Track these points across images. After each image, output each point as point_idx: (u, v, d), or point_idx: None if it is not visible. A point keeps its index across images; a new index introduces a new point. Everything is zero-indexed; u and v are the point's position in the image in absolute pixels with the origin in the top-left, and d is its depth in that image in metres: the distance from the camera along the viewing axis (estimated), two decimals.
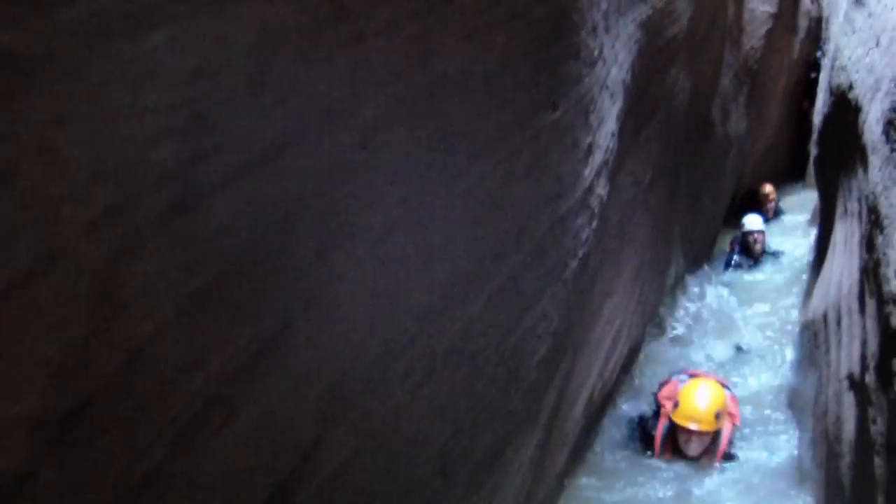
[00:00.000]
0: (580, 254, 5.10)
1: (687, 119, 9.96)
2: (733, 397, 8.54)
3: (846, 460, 5.75)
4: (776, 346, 10.59)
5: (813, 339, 7.97)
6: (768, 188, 16.62)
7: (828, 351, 7.04)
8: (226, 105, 1.92)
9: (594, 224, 5.38)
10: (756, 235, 13.97)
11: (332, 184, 2.35)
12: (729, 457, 8.09)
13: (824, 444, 6.63)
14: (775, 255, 14.22)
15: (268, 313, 2.16)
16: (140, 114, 1.71)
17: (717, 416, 7.83)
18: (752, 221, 14.17)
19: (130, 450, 1.84)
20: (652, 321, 10.32)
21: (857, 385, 5.54)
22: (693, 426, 7.76)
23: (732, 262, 13.98)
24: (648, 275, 9.24)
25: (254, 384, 2.17)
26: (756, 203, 16.30)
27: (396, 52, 2.60)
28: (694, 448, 7.86)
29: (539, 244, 4.32)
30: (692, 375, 8.71)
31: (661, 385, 8.71)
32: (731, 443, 8.20)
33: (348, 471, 2.80)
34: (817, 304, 7.93)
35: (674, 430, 7.98)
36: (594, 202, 5.28)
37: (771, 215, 16.25)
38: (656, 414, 8.40)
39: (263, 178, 2.07)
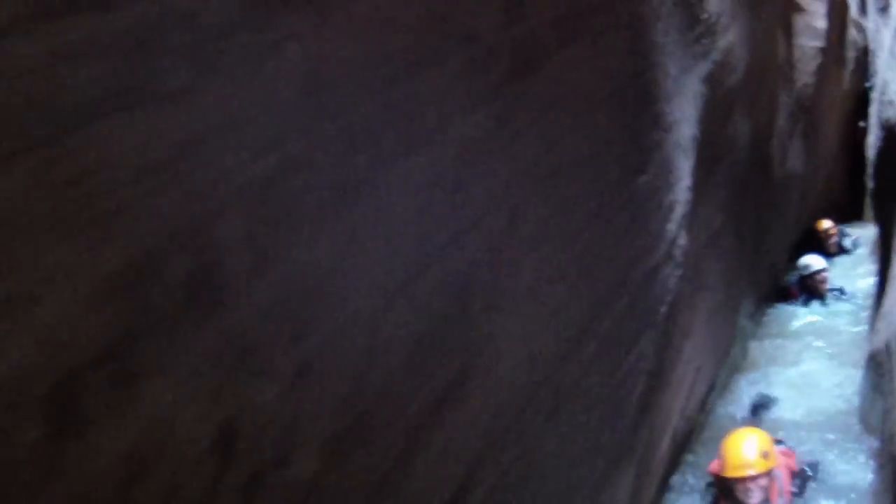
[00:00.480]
0: (668, 300, 5.68)
1: (748, 161, 10.28)
2: (788, 452, 7.98)
3: None
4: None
5: (878, 368, 8.01)
6: (826, 224, 16.15)
7: (892, 379, 7.20)
8: None
9: (678, 272, 5.94)
10: (822, 275, 13.39)
11: (493, 262, 2.95)
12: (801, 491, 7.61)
13: (890, 466, 6.72)
14: (840, 291, 13.51)
15: (455, 358, 2.75)
16: None
17: (765, 456, 7.15)
18: (813, 261, 13.61)
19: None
20: (725, 362, 10.49)
21: None
22: (742, 473, 7.06)
23: (793, 300, 13.57)
24: (721, 317, 9.56)
25: (443, 415, 2.76)
26: (816, 241, 15.81)
27: (535, 145, 3.20)
28: (754, 496, 7.13)
29: (636, 293, 4.91)
30: None
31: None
32: (797, 489, 7.61)
33: (499, 486, 3.37)
34: (880, 334, 8.13)
35: (732, 492, 7.20)
36: (677, 252, 5.85)
37: (833, 251, 15.77)
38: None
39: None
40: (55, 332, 1.57)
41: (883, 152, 8.62)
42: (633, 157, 4.72)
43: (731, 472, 7.10)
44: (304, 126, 2.14)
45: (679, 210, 5.80)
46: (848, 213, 17.74)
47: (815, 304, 13.17)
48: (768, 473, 7.21)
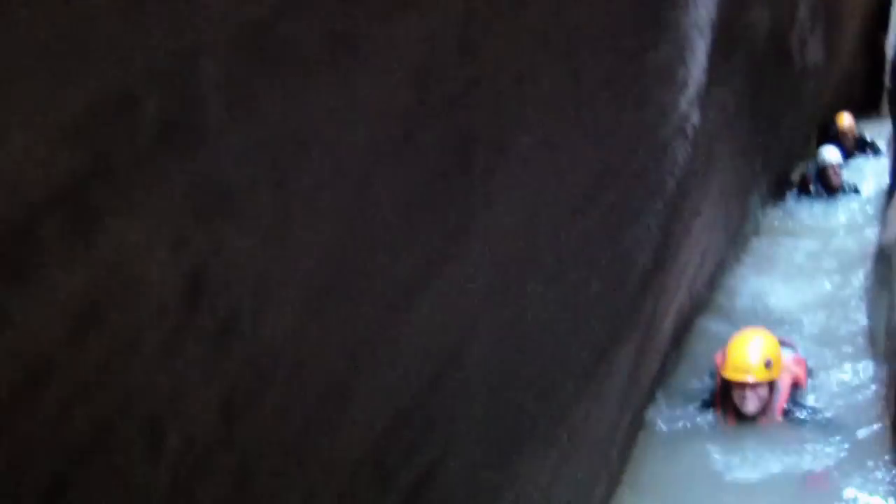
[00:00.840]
0: (677, 175, 5.72)
1: (767, 50, 10.35)
2: (797, 358, 7.73)
3: None
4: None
5: (886, 261, 8.19)
6: (847, 121, 15.75)
7: None
8: None
9: (689, 149, 5.97)
10: (835, 168, 13.27)
11: (496, 122, 3.02)
12: (792, 415, 7.21)
13: (893, 358, 7.05)
14: (855, 189, 13.42)
15: (453, 216, 2.85)
16: None
17: (768, 365, 6.97)
18: (829, 154, 13.47)
19: None
20: (735, 244, 10.63)
21: None
22: (741, 377, 6.95)
23: (808, 192, 13.48)
24: (732, 199, 9.70)
25: (441, 269, 2.87)
26: (834, 136, 15.41)
27: (545, 9, 3.27)
28: (750, 404, 7.02)
29: (644, 166, 4.96)
30: None
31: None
32: (796, 403, 7.30)
33: (497, 344, 3.49)
34: (891, 226, 8.36)
35: (730, 392, 7.16)
36: (689, 129, 5.88)
37: (852, 148, 15.49)
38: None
39: None
40: (16, 171, 1.50)
41: None
42: (649, 31, 4.72)
43: (729, 374, 7.01)
44: None
45: (692, 88, 5.79)
46: (867, 108, 17.78)
47: (827, 199, 13.18)
48: (769, 384, 7.06)
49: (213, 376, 1.93)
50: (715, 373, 7.52)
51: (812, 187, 13.51)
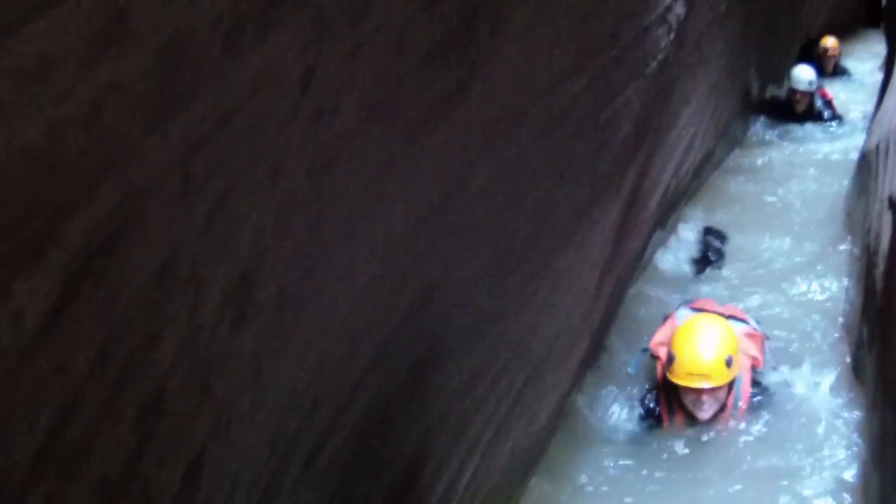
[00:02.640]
0: (659, 57, 6.29)
1: None
2: (751, 332, 6.81)
3: (879, 269, 6.46)
4: None
5: (867, 167, 8.62)
6: (831, 41, 16.08)
7: (876, 178, 7.84)
8: None
9: (671, 36, 6.50)
10: (800, 96, 13.36)
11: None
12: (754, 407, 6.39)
13: (865, 256, 7.41)
14: (833, 117, 13.50)
15: (460, 69, 3.58)
16: None
17: (729, 364, 5.99)
18: (800, 74, 13.50)
19: None
20: (724, 137, 11.22)
21: (893, 205, 6.26)
22: (697, 384, 5.98)
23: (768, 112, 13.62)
24: (723, 93, 10.22)
25: (448, 111, 3.59)
26: (815, 57, 15.59)
27: None
28: (707, 410, 6.08)
29: (626, 46, 5.53)
30: (697, 310, 6.90)
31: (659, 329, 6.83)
32: (757, 390, 6.46)
33: (495, 179, 4.14)
34: (874, 135, 8.70)
35: (677, 394, 6.22)
36: (672, 18, 6.43)
37: (830, 70, 15.81)
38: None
39: None
40: None
41: None
42: None
43: (682, 380, 6.02)
44: None
45: None
46: (867, 22, 18.21)
47: (808, 125, 13.33)
48: (727, 386, 6.14)
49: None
50: (646, 366, 6.75)
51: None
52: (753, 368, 6.55)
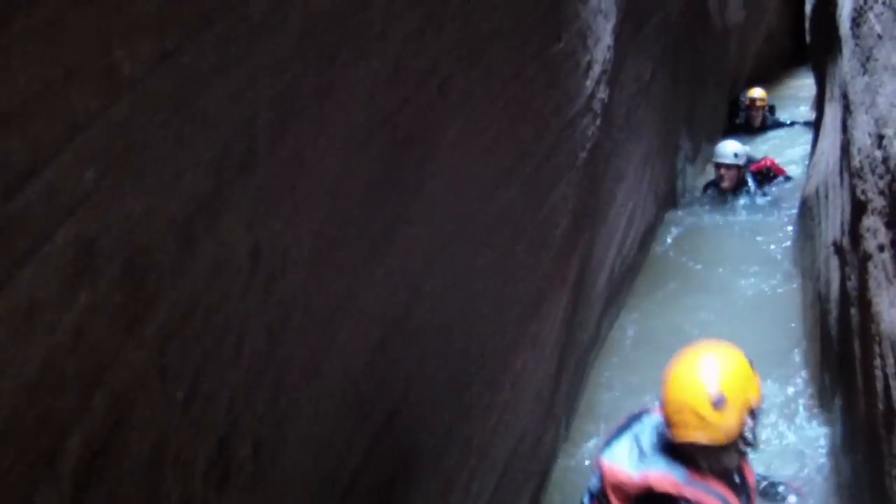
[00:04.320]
0: (588, 146, 6.51)
1: (684, 15, 11.07)
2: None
3: (833, 315, 6.59)
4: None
5: (809, 212, 8.78)
6: (758, 92, 15.62)
7: (819, 222, 7.94)
8: None
9: (598, 122, 6.74)
10: (723, 171, 12.24)
11: (426, 125, 3.95)
12: None
13: (818, 304, 7.53)
14: (756, 191, 12.39)
15: (395, 202, 3.81)
16: None
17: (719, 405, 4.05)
18: (722, 149, 12.39)
19: None
20: (665, 205, 11.47)
21: (839, 249, 6.29)
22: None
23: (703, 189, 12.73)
24: (658, 161, 10.47)
25: (390, 243, 3.82)
26: (739, 113, 15.59)
27: (459, 27, 4.16)
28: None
29: (555, 142, 5.77)
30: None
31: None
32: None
33: (439, 304, 4.38)
34: (811, 180, 8.88)
35: None
36: (596, 105, 6.67)
37: (757, 124, 15.48)
38: None
39: None
40: None
41: (816, 9, 9.27)
42: (550, 26, 5.53)
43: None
44: None
45: (597, 68, 6.60)
46: (792, 62, 18.61)
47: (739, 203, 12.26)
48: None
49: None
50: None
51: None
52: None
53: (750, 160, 12.66)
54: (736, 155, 12.28)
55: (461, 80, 4.26)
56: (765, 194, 12.48)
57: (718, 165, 12.42)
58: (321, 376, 3.27)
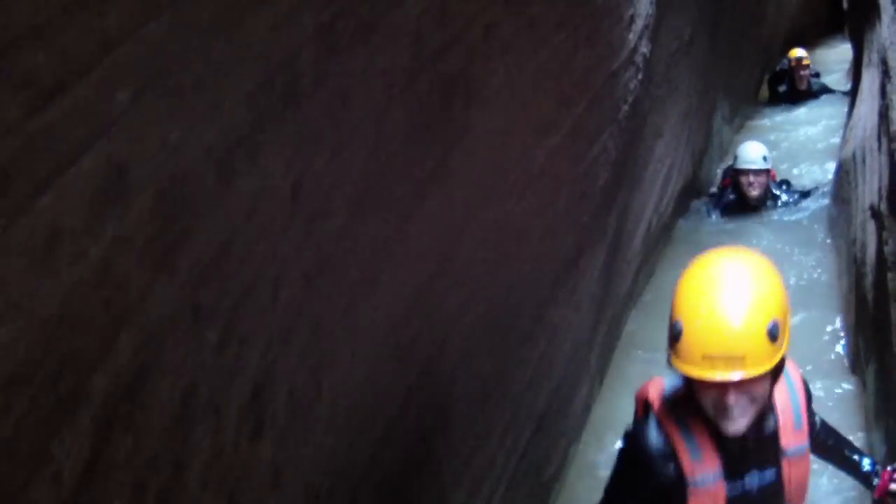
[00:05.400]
0: (630, 100, 6.39)
1: None
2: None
3: (869, 279, 6.49)
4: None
5: (846, 176, 8.64)
6: (800, 51, 14.81)
7: (856, 186, 7.81)
8: None
9: (640, 76, 6.61)
10: (752, 177, 10.13)
11: (471, 68, 3.83)
12: None
13: (854, 267, 7.43)
14: (788, 196, 10.45)
15: (439, 145, 3.66)
16: None
17: (773, 334, 3.20)
18: (748, 153, 10.26)
19: None
20: (702, 162, 11.27)
21: (876, 214, 6.22)
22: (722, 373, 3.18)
23: (717, 208, 10.49)
24: (695, 119, 10.32)
25: (428, 189, 3.68)
26: (785, 76, 14.85)
27: None
28: (737, 419, 3.31)
29: (597, 94, 5.64)
30: None
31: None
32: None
33: (477, 253, 4.31)
34: (848, 144, 8.73)
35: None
36: (639, 59, 6.54)
37: (804, 86, 14.63)
38: None
39: None
40: None
41: None
42: None
43: (692, 367, 3.22)
44: None
45: (640, 22, 6.46)
46: (830, 29, 18.36)
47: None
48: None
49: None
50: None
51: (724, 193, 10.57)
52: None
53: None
54: (765, 158, 10.30)
55: (506, 28, 4.12)
56: (803, 195, 10.58)
57: (743, 172, 10.25)
58: (359, 322, 3.13)
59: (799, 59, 14.73)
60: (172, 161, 1.87)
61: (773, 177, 10.59)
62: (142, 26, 1.73)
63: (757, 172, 10.14)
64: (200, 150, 1.98)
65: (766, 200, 10.34)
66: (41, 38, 1.50)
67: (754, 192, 10.14)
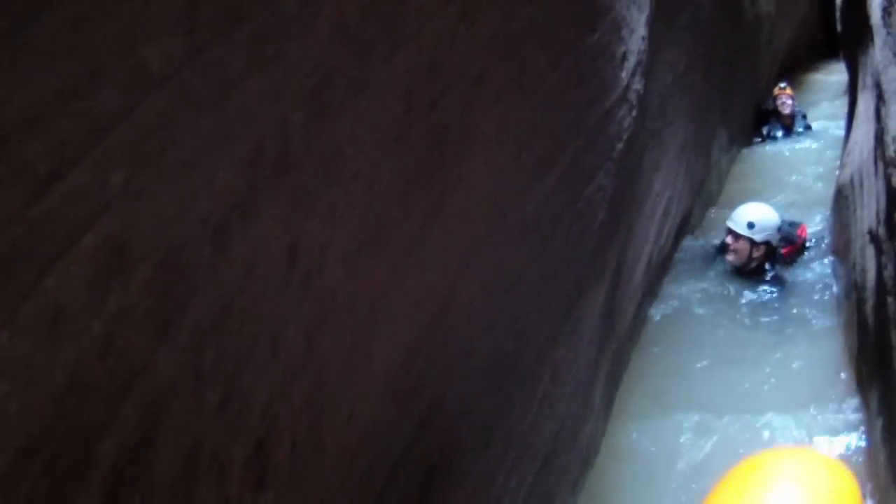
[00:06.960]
0: (624, 137, 6.42)
1: (716, 5, 10.89)
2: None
3: (870, 304, 6.52)
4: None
5: (844, 201, 8.71)
6: (783, 84, 14.97)
7: (855, 211, 7.88)
8: None
9: (634, 113, 6.64)
10: (730, 239, 9.13)
11: (463, 117, 3.90)
12: None
13: (854, 293, 7.41)
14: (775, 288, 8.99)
15: (433, 193, 3.73)
16: None
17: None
18: (736, 212, 9.28)
19: None
20: (700, 194, 11.26)
21: (875, 238, 6.27)
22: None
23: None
24: (693, 151, 10.30)
25: (425, 236, 3.75)
26: (770, 116, 14.76)
27: (494, 21, 4.10)
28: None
29: (591, 133, 5.68)
30: None
31: None
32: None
33: (477, 296, 4.30)
34: (846, 168, 8.81)
35: None
36: (632, 96, 6.57)
37: (787, 111, 14.58)
38: None
39: None
40: None
41: None
42: (585, 18, 5.44)
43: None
44: None
45: (632, 59, 6.50)
46: (825, 53, 18.48)
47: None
48: None
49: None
50: None
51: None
52: None
53: (786, 237, 9.49)
54: (751, 225, 9.02)
55: (497, 73, 4.18)
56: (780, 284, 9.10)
57: (728, 230, 9.26)
58: (359, 374, 3.18)
59: (782, 88, 14.87)
60: (169, 233, 1.95)
61: (799, 244, 9.66)
62: (132, 109, 1.81)
63: (736, 236, 9.06)
64: (196, 221, 2.05)
65: (754, 272, 9.14)
66: (35, 127, 1.59)
67: (729, 257, 9.15)
